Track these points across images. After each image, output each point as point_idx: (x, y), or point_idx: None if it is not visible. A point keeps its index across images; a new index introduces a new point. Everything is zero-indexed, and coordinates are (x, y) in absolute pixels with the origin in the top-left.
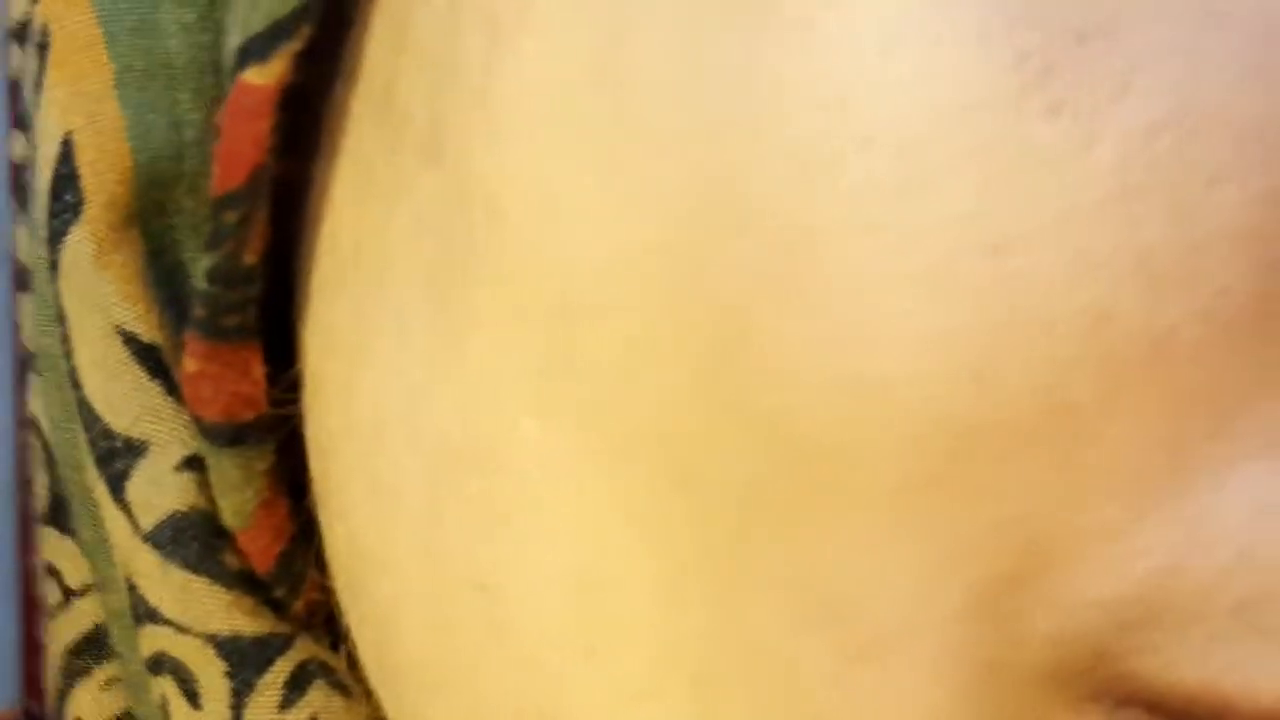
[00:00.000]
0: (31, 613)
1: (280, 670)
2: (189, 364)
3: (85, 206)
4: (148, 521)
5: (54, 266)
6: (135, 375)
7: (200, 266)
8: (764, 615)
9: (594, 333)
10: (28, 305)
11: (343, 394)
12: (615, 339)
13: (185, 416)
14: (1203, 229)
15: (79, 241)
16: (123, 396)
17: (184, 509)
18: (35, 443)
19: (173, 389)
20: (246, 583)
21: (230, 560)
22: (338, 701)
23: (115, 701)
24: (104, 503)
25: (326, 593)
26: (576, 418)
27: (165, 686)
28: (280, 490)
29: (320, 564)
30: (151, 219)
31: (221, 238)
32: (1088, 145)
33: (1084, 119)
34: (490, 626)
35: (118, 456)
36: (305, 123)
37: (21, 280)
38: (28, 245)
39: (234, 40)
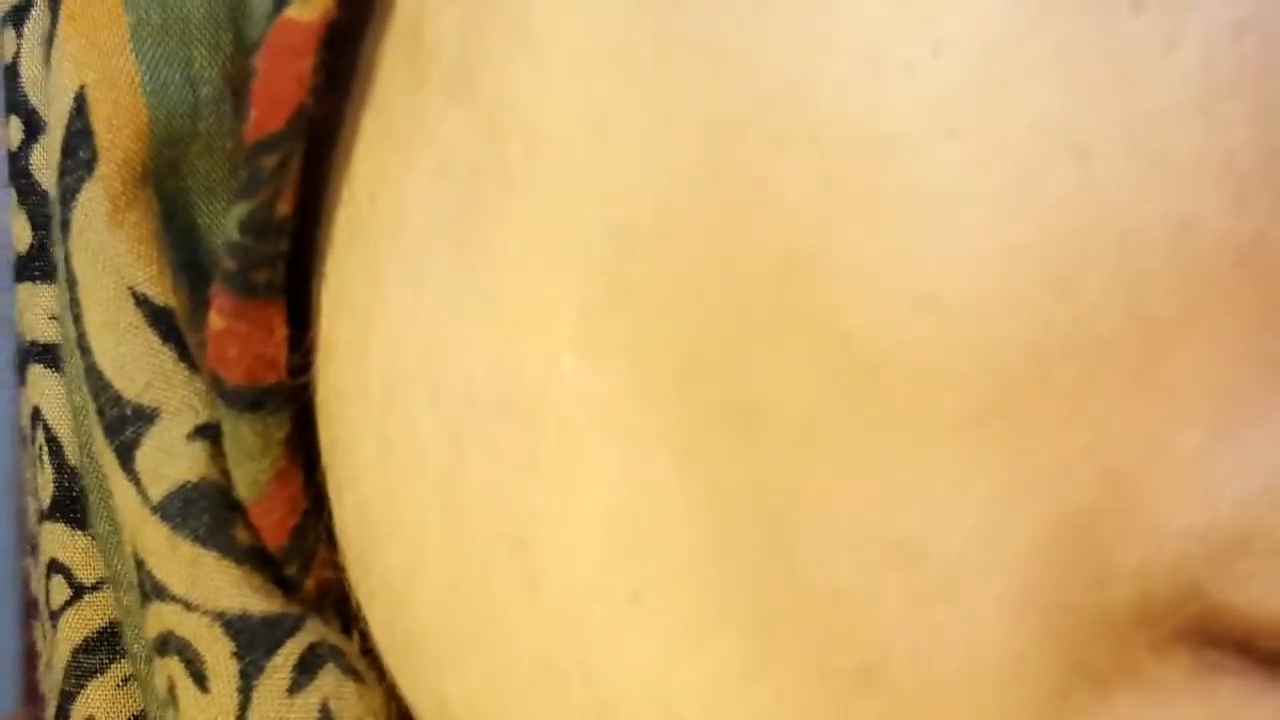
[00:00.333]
0: (32, 619)
1: (290, 652)
2: (215, 321)
3: (99, 163)
4: (157, 492)
5: (65, 226)
6: (147, 339)
7: (232, 216)
8: (825, 557)
9: (649, 259)
10: (27, 294)
11: (354, 353)
12: (673, 265)
13: (197, 383)
14: None
15: (92, 199)
16: (134, 361)
17: (195, 479)
18: (39, 436)
19: (184, 355)
20: (257, 559)
21: (241, 535)
22: (349, 687)
23: (132, 700)
24: (113, 474)
25: (338, 570)
26: (625, 352)
27: (172, 669)
28: (295, 461)
29: (331, 540)
30: (166, 179)
31: (258, 184)
32: (1172, 45)
33: (1168, 18)
34: (522, 581)
35: (127, 424)
36: (340, 65)
37: (20, 271)
38: (23, 232)
39: None
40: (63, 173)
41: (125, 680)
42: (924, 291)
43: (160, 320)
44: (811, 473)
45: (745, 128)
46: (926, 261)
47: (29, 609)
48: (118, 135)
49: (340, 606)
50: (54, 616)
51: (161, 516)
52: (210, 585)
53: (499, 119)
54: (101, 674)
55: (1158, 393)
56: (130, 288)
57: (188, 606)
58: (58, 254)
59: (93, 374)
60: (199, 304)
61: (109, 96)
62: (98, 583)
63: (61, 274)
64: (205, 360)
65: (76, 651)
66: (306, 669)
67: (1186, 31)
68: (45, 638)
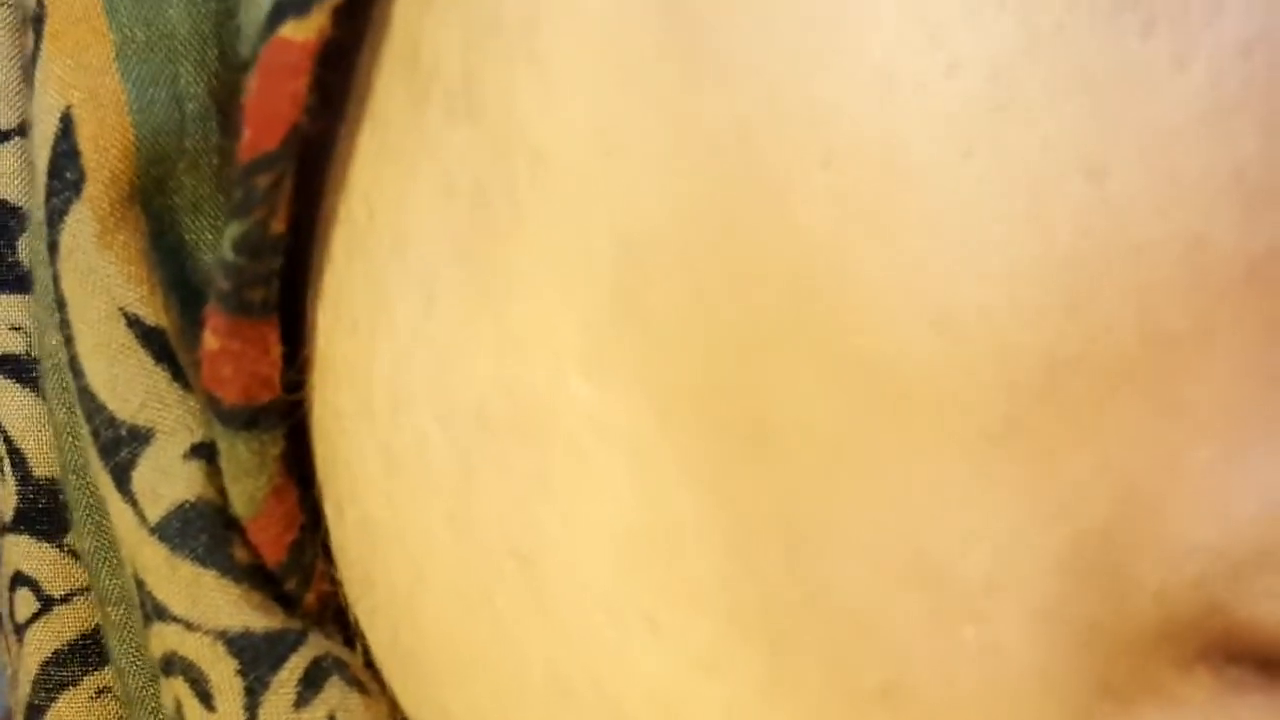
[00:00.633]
0: None
1: (294, 667)
2: (210, 341)
3: (86, 184)
4: (155, 513)
5: (53, 248)
6: (140, 359)
7: (226, 235)
8: (847, 575)
9: (660, 279)
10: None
11: (356, 370)
12: (684, 284)
13: (191, 402)
14: None
15: (80, 220)
16: (127, 382)
17: (192, 499)
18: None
19: (178, 374)
20: (257, 576)
21: (240, 553)
22: (355, 699)
23: (107, 712)
24: (110, 496)
25: (337, 584)
26: (635, 371)
27: (178, 689)
28: (290, 477)
29: (329, 554)
30: (153, 197)
31: (252, 204)
32: (1182, 63)
33: (1178, 36)
34: (531, 597)
35: (122, 445)
36: (334, 82)
37: None
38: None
39: (263, 3)
40: (49, 194)
41: (99, 692)
42: (940, 310)
43: (152, 340)
44: (829, 491)
45: (758, 147)
46: (942, 280)
47: None
48: (104, 155)
49: (342, 619)
50: (20, 629)
51: (160, 537)
52: (211, 604)
53: (504, 137)
54: (74, 686)
55: (1172, 409)
56: (121, 308)
57: (189, 626)
58: (45, 275)
59: (86, 395)
60: (190, 323)
61: (95, 116)
62: (68, 594)
63: (50, 296)
64: (200, 380)
65: (46, 664)
66: (312, 683)
67: (1196, 49)
68: (10, 651)
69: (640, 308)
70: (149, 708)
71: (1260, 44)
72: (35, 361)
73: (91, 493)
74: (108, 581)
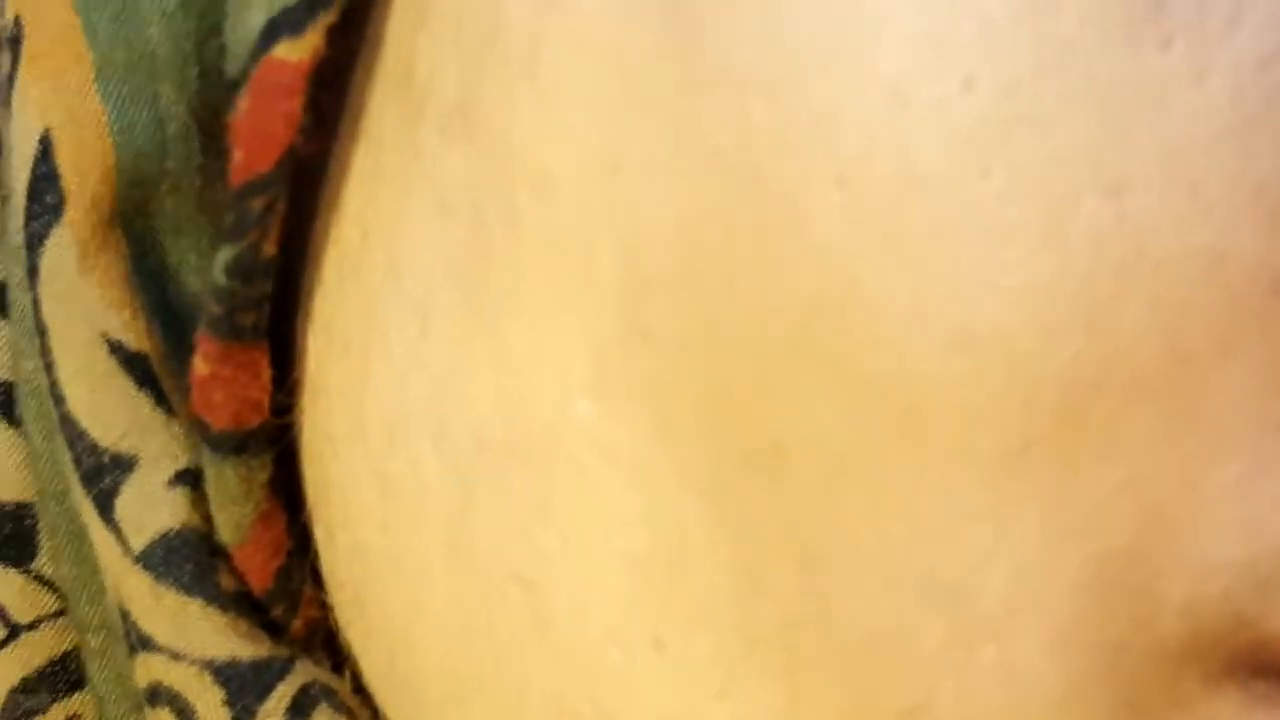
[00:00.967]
0: None
1: (282, 695)
2: (200, 367)
3: (67, 207)
4: (139, 541)
5: (33, 273)
6: (123, 385)
7: (218, 260)
8: (861, 597)
9: (668, 301)
10: None
11: (349, 394)
12: (693, 306)
13: (175, 428)
14: None
15: (61, 245)
16: (110, 408)
17: (176, 527)
18: None
19: (161, 399)
20: (243, 603)
21: (226, 580)
22: None
23: None
24: (92, 524)
25: (325, 609)
26: (643, 394)
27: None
28: (277, 502)
29: (317, 579)
30: (134, 220)
31: (246, 228)
32: (1201, 77)
33: (1195, 50)
34: (533, 623)
35: (105, 472)
36: (325, 101)
37: None
38: None
39: (256, 16)
40: (29, 218)
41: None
42: (957, 328)
43: (135, 366)
44: (844, 512)
45: (771, 166)
46: (960, 299)
47: None
48: (85, 178)
49: (330, 644)
50: None
51: (144, 566)
52: (197, 633)
53: (502, 156)
54: (43, 714)
55: (1195, 425)
56: (103, 334)
57: (175, 656)
58: (23, 300)
59: (67, 422)
60: (174, 346)
61: (75, 139)
62: (35, 621)
63: (30, 322)
64: (185, 405)
65: (14, 692)
66: (300, 711)
67: (1215, 63)
68: None
69: (647, 327)
70: None
71: (1278, 59)
72: (8, 386)
73: (72, 519)
74: (87, 609)
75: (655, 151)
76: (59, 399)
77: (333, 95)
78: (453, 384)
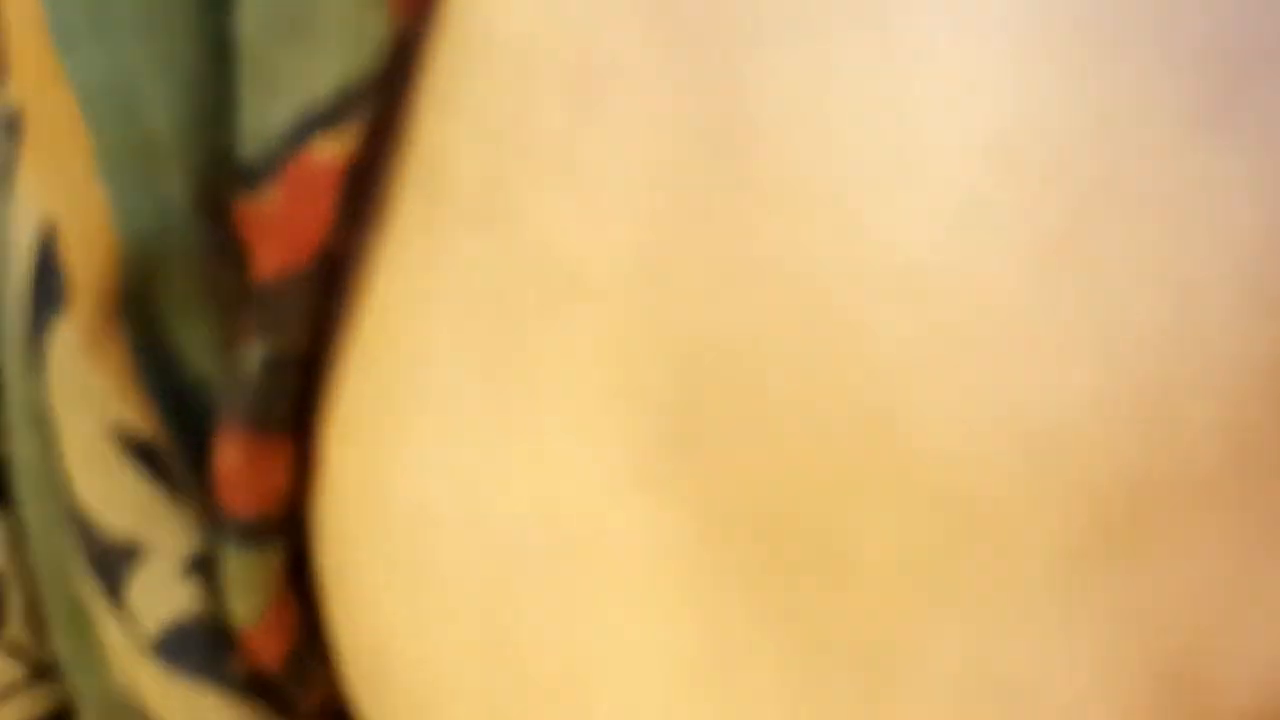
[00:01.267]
0: None
1: None
2: (230, 458)
3: (70, 298)
4: (149, 631)
5: (37, 363)
6: (130, 475)
7: (253, 355)
8: (930, 703)
9: (717, 404)
10: None
11: (369, 487)
12: (745, 410)
13: (185, 516)
14: None
15: (65, 335)
16: (119, 498)
17: (188, 616)
18: None
19: (169, 487)
20: (255, 689)
21: (237, 665)
22: None
23: None
24: (97, 609)
25: (335, 686)
26: (690, 494)
27: None
28: (289, 585)
29: (329, 656)
30: (139, 305)
31: (281, 324)
32: (1264, 179)
33: (1262, 152)
34: None
35: (113, 560)
36: (354, 194)
37: None
38: None
39: (284, 109)
40: (34, 309)
41: None
42: (1022, 434)
43: (143, 455)
44: (906, 615)
45: (829, 279)
46: (1024, 404)
47: None
48: (88, 268)
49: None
50: None
51: (155, 656)
52: None
53: (537, 253)
54: None
55: (1258, 528)
56: (110, 424)
57: None
58: (22, 386)
59: (75, 513)
60: (182, 431)
61: (76, 228)
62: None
63: (27, 405)
64: (197, 489)
65: None
66: None
67: (1276, 161)
68: None
69: (695, 433)
70: None
71: None
72: None
73: (73, 599)
74: (85, 682)
75: (704, 262)
76: (65, 486)
77: (358, 183)
78: (485, 477)
